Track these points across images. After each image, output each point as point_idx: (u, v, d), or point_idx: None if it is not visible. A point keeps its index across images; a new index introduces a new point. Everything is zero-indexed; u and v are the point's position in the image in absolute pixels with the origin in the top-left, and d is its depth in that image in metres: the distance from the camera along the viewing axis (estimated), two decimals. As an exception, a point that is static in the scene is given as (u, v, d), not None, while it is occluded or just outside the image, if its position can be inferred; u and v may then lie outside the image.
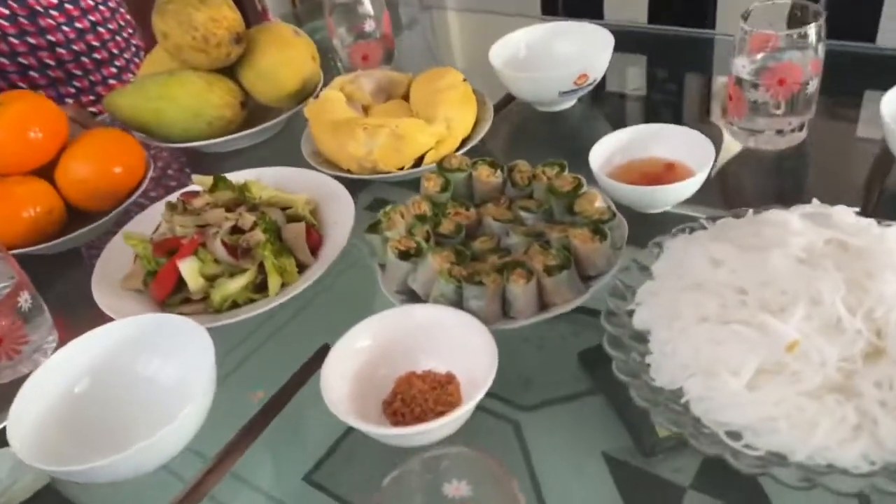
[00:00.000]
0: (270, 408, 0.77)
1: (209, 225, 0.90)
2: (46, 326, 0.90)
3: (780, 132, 0.98)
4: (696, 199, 0.91)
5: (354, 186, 1.01)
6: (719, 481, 0.64)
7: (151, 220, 1.01)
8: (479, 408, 0.72)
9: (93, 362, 0.77)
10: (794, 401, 0.58)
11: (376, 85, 1.15)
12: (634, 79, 1.29)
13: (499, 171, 0.92)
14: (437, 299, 0.78)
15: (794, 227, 0.65)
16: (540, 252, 0.78)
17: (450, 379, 0.74)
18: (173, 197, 1.03)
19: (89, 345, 0.78)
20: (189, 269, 0.86)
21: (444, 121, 1.04)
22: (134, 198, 1.09)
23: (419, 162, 1.04)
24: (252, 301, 0.87)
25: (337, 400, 0.69)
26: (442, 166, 0.93)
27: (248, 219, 0.90)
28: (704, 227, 0.78)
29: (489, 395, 0.68)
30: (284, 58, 1.19)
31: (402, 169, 1.03)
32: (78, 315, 0.95)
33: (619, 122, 1.19)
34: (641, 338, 0.70)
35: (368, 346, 0.75)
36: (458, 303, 0.77)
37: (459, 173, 0.92)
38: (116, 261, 0.96)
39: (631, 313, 0.72)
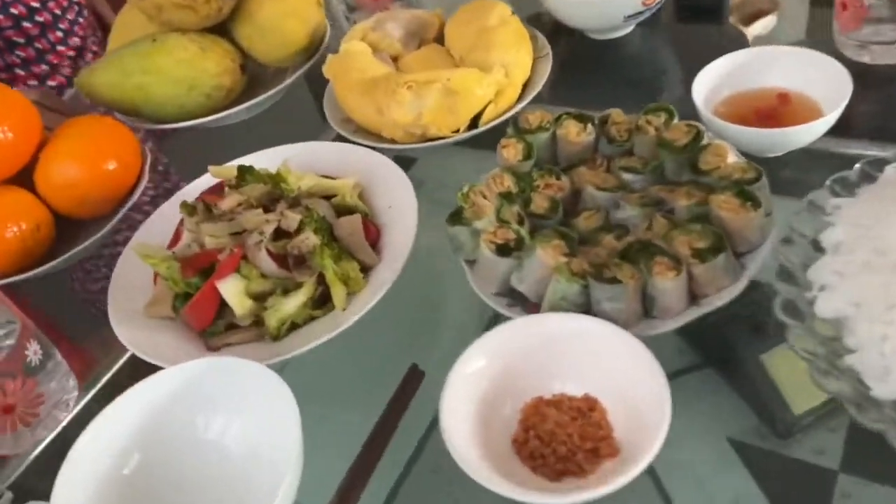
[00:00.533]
0: (369, 453, 0.63)
1: (246, 231, 0.73)
2: (61, 374, 0.74)
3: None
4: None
5: (397, 160, 0.84)
6: (875, 461, 0.55)
7: (163, 227, 0.84)
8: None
9: (140, 429, 0.61)
10: None
11: (404, 29, 0.96)
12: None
13: (589, 126, 0.75)
14: (556, 304, 0.62)
15: None
16: (676, 229, 0.63)
17: (591, 404, 0.59)
18: (186, 194, 0.85)
19: (132, 406, 0.62)
20: (233, 290, 0.70)
21: (501, 67, 0.86)
22: (134, 199, 0.90)
23: (474, 122, 0.87)
24: (313, 318, 0.72)
25: (465, 451, 0.54)
26: (518, 127, 0.76)
27: (292, 218, 0.73)
28: (869, 176, 0.64)
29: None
30: (287, 6, 0.99)
31: (457, 131, 0.86)
32: (89, 341, 0.80)
33: (689, 49, 1.02)
34: (829, 330, 0.56)
35: (487, 372, 0.60)
36: (585, 305, 0.62)
37: (541, 133, 0.75)
38: (131, 282, 0.79)
39: (811, 301, 0.57)
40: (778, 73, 0.81)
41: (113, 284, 0.78)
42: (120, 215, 0.89)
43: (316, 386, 0.71)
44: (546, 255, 0.63)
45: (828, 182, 0.64)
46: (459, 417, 0.57)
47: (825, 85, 0.77)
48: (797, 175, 0.77)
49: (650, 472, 0.56)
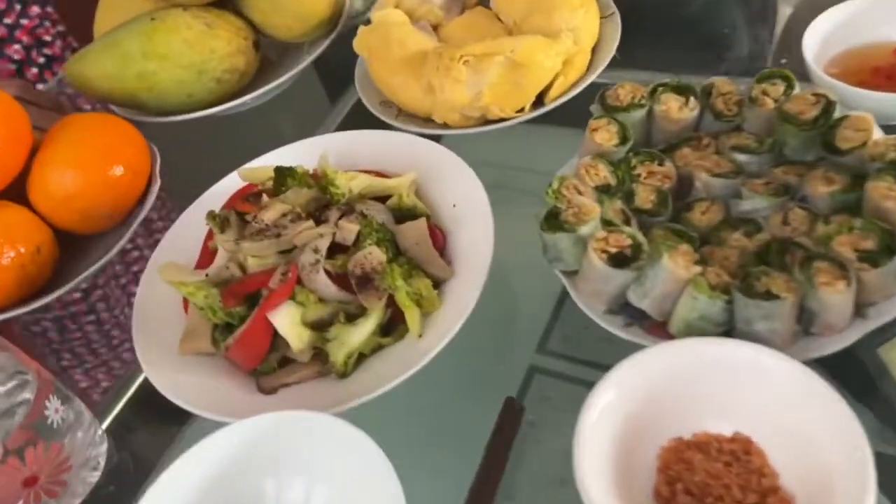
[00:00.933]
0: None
1: (296, 248, 0.62)
2: (86, 427, 0.62)
3: None
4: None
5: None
6: None
7: (186, 243, 0.72)
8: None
9: (207, 491, 0.51)
10: None
11: (446, -7, 0.83)
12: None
13: (693, 100, 0.64)
14: (692, 323, 0.52)
15: None
16: (779, 210, 0.52)
17: (745, 446, 0.49)
18: (209, 201, 0.73)
19: (197, 468, 0.51)
20: (288, 321, 0.58)
21: (569, 32, 0.74)
22: (147, 209, 0.78)
23: (538, 98, 0.75)
24: (381, 346, 0.60)
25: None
26: (607, 104, 0.64)
27: (349, 229, 0.61)
28: None
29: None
30: (304, -28, 0.85)
31: (521, 111, 0.74)
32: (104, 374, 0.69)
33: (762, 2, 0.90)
34: None
35: (621, 410, 0.49)
36: (727, 324, 0.52)
37: (636, 111, 0.64)
38: (157, 311, 0.67)
39: None
40: (891, 25, 0.70)
41: (137, 317, 0.66)
42: (133, 228, 0.76)
43: (390, 426, 0.60)
44: (675, 265, 0.52)
45: None
46: (595, 469, 0.47)
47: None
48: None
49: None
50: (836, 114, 0.59)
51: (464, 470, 0.55)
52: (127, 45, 0.82)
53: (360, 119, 0.83)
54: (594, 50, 0.77)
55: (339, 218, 0.63)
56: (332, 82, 0.98)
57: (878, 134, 0.57)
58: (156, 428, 0.71)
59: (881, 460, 0.48)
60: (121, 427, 0.68)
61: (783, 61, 0.77)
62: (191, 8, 0.84)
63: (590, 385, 0.60)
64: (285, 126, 0.94)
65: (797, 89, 0.62)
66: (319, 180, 0.66)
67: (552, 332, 0.67)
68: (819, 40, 0.69)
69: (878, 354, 0.55)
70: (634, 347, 0.56)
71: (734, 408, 0.50)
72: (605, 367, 0.61)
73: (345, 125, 0.90)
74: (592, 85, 0.75)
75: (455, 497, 0.53)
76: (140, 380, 0.71)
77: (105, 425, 0.68)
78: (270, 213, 0.62)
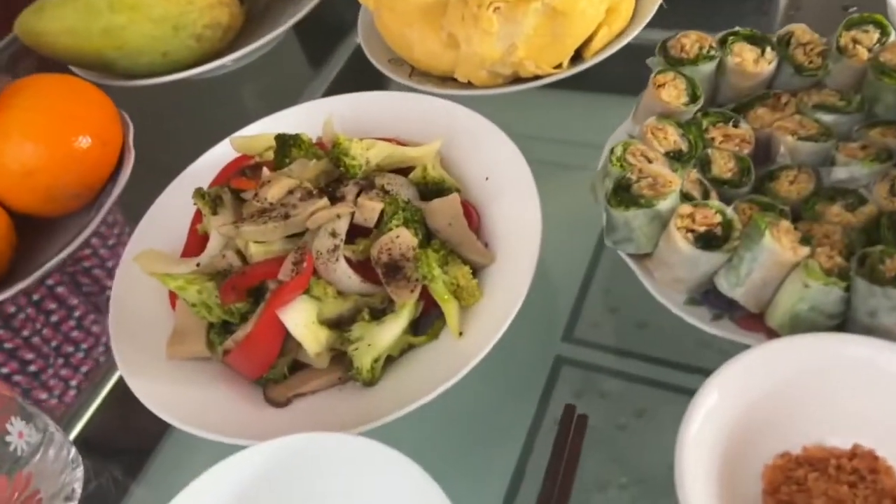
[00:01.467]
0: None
1: (308, 231, 0.51)
2: (57, 448, 0.52)
3: None
4: None
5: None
6: None
7: (169, 227, 0.61)
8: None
9: None
10: None
11: (461, -67, 0.72)
12: None
13: (769, 51, 0.54)
14: (801, 315, 0.43)
15: None
16: None
17: (869, 462, 0.41)
18: (194, 175, 0.62)
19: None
20: (302, 321, 0.48)
21: (612, -22, 0.64)
22: (120, 187, 0.67)
23: (578, 54, 0.65)
24: (411, 346, 0.51)
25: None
26: (670, 56, 0.55)
27: (371, 208, 0.51)
28: None
29: None
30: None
31: (559, 67, 0.64)
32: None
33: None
34: None
35: (720, 417, 0.40)
36: (841, 317, 0.43)
37: (705, 63, 0.54)
38: (137, 307, 0.57)
39: None
40: None
41: (114, 316, 0.56)
42: (105, 210, 0.65)
43: (422, 437, 0.51)
44: (780, 246, 0.43)
45: None
46: (701, 492, 0.38)
47: None
48: None
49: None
50: (944, 65, 0.50)
51: (505, 474, 0.47)
52: (91, -5, 0.70)
53: (363, 80, 0.72)
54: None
55: (358, 194, 0.53)
56: (328, 38, 0.86)
57: None
58: (133, 439, 0.61)
59: None
60: (92, 441, 0.58)
61: (853, 8, 0.68)
62: (165, -47, 0.72)
63: (627, 377, 0.53)
64: (277, 87, 0.82)
65: (893, 36, 0.53)
66: (329, 150, 0.55)
67: (578, 318, 0.58)
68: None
69: None
70: (672, 333, 0.49)
71: (853, 417, 0.41)
72: (640, 357, 0.54)
73: (342, 87, 0.79)
74: (632, 46, 0.65)
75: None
76: (111, 385, 0.61)
77: (73, 435, 0.58)
78: (275, 190, 0.52)
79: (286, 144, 0.55)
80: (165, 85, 0.76)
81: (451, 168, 0.60)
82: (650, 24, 0.67)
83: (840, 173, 0.49)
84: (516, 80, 0.64)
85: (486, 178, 0.58)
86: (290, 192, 0.52)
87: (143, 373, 0.52)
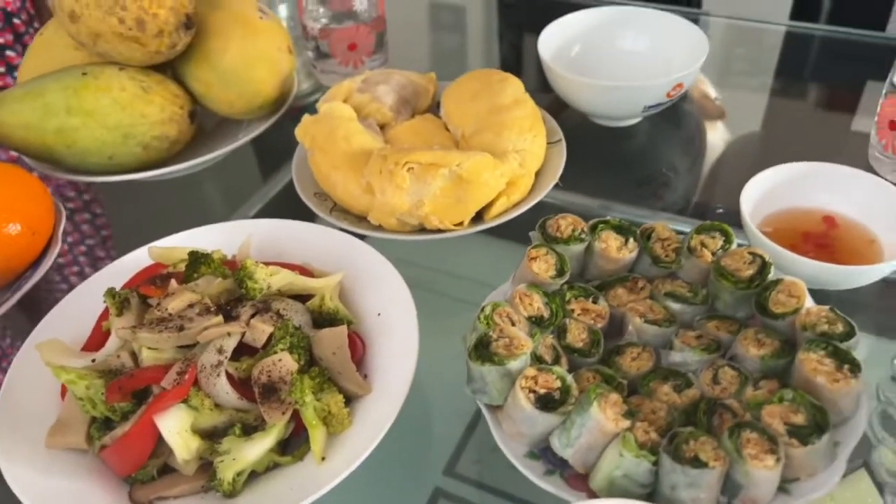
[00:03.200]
0: None
1: (198, 344, 0.56)
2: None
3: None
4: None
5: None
6: None
7: (79, 318, 0.65)
8: None
9: None
10: None
11: (397, 94, 0.82)
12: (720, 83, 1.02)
13: (632, 241, 0.63)
14: (614, 480, 0.49)
15: None
16: (709, 367, 0.52)
17: None
18: (113, 273, 0.67)
19: None
20: (176, 428, 0.52)
21: (516, 154, 0.73)
22: (40, 274, 0.71)
23: (479, 213, 0.73)
24: (276, 465, 0.55)
25: None
26: (547, 234, 0.63)
27: (261, 330, 0.56)
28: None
29: None
30: (256, 50, 0.83)
31: (460, 225, 0.72)
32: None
33: (700, 144, 0.94)
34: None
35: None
36: (651, 486, 0.49)
37: (575, 244, 0.62)
38: (28, 395, 0.60)
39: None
40: (822, 193, 0.72)
41: (3, 398, 0.58)
42: (19, 296, 0.69)
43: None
44: (605, 417, 0.49)
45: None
46: None
47: (881, 212, 0.68)
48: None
49: None
50: (772, 276, 0.59)
51: None
52: (51, 97, 0.76)
53: (291, 205, 0.79)
54: (538, 174, 0.77)
55: (252, 316, 0.58)
56: (268, 161, 0.94)
57: (809, 302, 0.57)
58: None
59: None
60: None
61: (719, 211, 0.79)
62: (128, 69, 0.80)
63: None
64: (213, 199, 0.89)
65: (734, 245, 0.62)
66: (237, 270, 0.61)
67: (462, 453, 0.63)
68: (755, 198, 0.70)
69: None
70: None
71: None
72: (512, 498, 0.58)
73: (274, 209, 0.87)
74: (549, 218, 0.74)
75: None
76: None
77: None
78: (176, 303, 0.57)
79: (197, 261, 0.61)
80: (113, 183, 0.82)
81: (349, 300, 0.66)
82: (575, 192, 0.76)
83: (675, 357, 0.57)
84: (422, 229, 0.72)
85: (378, 314, 0.64)
86: (190, 305, 0.57)
87: (20, 461, 0.55)
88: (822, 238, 0.70)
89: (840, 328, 0.54)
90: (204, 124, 0.93)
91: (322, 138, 0.75)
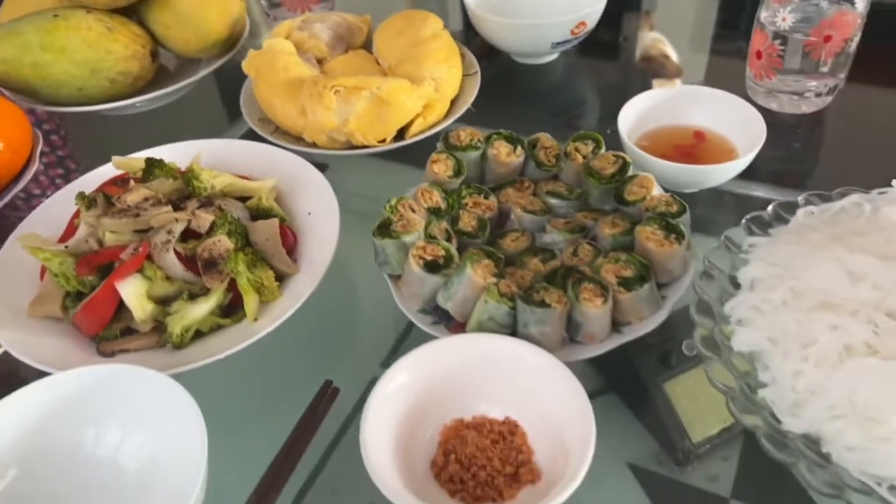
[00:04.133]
0: (276, 476, 0.59)
1: (152, 229, 0.68)
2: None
3: (817, 95, 0.88)
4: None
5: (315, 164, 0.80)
6: (763, 489, 0.58)
7: (54, 219, 0.76)
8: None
9: (18, 441, 0.55)
10: (978, 451, 0.48)
11: (332, 32, 0.93)
12: (625, 25, 1.13)
13: (519, 148, 0.75)
14: (482, 323, 0.61)
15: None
16: (600, 256, 0.64)
17: (511, 427, 0.58)
18: (84, 184, 0.78)
19: (9, 415, 0.55)
20: (134, 292, 0.64)
21: (432, 80, 0.85)
22: (20, 186, 0.82)
23: (400, 132, 0.85)
24: (220, 327, 0.67)
25: (385, 473, 0.52)
26: (449, 143, 0.75)
27: (204, 219, 0.68)
28: (781, 217, 0.66)
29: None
30: (208, -5, 0.94)
31: (383, 141, 0.83)
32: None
33: (611, 79, 1.05)
34: (744, 364, 0.58)
35: (409, 392, 0.58)
36: (511, 326, 0.61)
37: (471, 151, 0.74)
38: (14, 277, 0.71)
39: (728, 333, 0.59)
40: (696, 112, 0.84)
41: (-9, 278, 0.70)
42: (2, 203, 0.80)
43: (223, 401, 0.66)
44: (476, 275, 0.61)
45: (744, 220, 0.67)
46: (380, 439, 0.55)
47: (739, 127, 0.81)
48: (709, 213, 0.80)
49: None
50: (630, 172, 0.71)
51: (277, 441, 0.61)
52: (27, 37, 0.87)
53: (246, 135, 0.91)
54: (455, 101, 0.89)
55: (198, 208, 0.70)
56: (224, 96, 1.05)
57: (656, 191, 0.70)
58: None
59: (656, 479, 0.59)
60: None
61: (609, 131, 0.91)
62: (95, 11, 0.91)
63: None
64: (175, 130, 0.99)
65: (603, 150, 0.74)
66: (186, 173, 0.73)
67: (374, 325, 0.74)
68: (633, 118, 0.82)
69: (663, 389, 0.66)
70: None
71: (508, 396, 0.59)
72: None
73: (235, 135, 0.98)
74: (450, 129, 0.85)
75: (259, 462, 0.59)
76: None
77: None
78: (133, 196, 0.69)
79: (152, 165, 0.72)
80: (80, 114, 0.93)
81: (286, 204, 0.78)
82: (490, 123, 0.87)
83: (546, 238, 0.69)
84: (351, 146, 0.83)
85: (309, 213, 0.76)
86: (146, 199, 0.69)
87: (6, 324, 0.67)
88: (691, 149, 0.82)
89: (675, 208, 0.67)
90: (168, 66, 1.04)
91: (265, 69, 0.86)
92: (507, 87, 1.01)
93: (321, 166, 0.83)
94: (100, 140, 1.01)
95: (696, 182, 0.78)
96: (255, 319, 0.66)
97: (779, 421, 0.54)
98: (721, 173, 0.76)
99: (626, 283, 0.61)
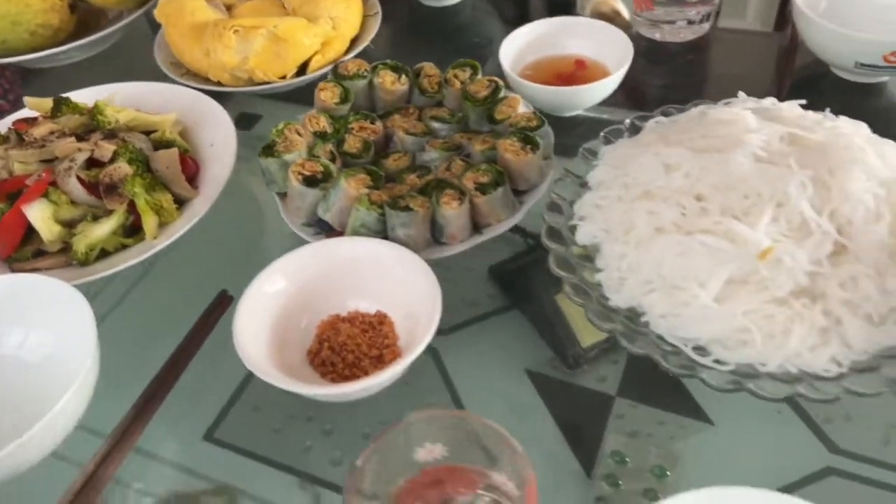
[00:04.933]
0: (170, 371, 0.65)
1: (57, 159, 0.73)
2: None
3: (689, 22, 0.94)
4: (607, 99, 0.85)
5: (222, 101, 0.86)
6: (646, 387, 0.64)
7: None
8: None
9: None
10: (764, 309, 0.55)
11: (240, -21, 0.98)
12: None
13: (404, 77, 0.81)
14: (356, 230, 0.68)
15: (749, 123, 0.61)
16: (468, 169, 0.70)
17: (381, 318, 0.65)
18: (2, 126, 0.84)
19: None
20: (40, 214, 0.70)
21: (330, 20, 0.90)
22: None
23: (302, 69, 0.90)
24: (125, 247, 0.73)
25: (255, 356, 0.58)
26: (338, 73, 0.81)
27: (106, 148, 0.74)
28: (636, 129, 0.73)
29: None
30: (120, -53, 0.98)
31: (283, 78, 0.89)
32: None
33: (513, 16, 1.11)
34: (588, 255, 0.64)
35: (284, 290, 0.64)
36: (382, 232, 0.68)
37: (359, 80, 0.80)
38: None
39: (573, 229, 0.66)
40: (577, 42, 0.90)
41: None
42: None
43: (127, 312, 0.73)
44: (350, 187, 0.68)
45: (602, 133, 0.73)
46: (253, 330, 0.61)
47: (614, 54, 0.87)
48: (590, 136, 0.87)
49: (456, 400, 0.63)
50: (501, 94, 0.78)
51: (173, 347, 0.68)
52: (-56, -11, 0.92)
53: (161, 78, 0.96)
54: (356, 40, 0.94)
55: (102, 139, 0.76)
56: (139, 47, 1.09)
57: (522, 110, 0.76)
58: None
59: (551, 382, 0.64)
60: None
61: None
62: (12, -35, 0.95)
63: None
64: (112, 79, 1.04)
65: (479, 75, 0.80)
66: (91, 111, 0.78)
67: (269, 242, 0.80)
68: (516, 50, 0.88)
69: (556, 301, 0.73)
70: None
71: (379, 291, 0.66)
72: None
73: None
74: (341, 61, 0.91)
75: (155, 362, 0.66)
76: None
77: None
78: (40, 130, 0.74)
79: (59, 103, 0.78)
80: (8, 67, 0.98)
81: (191, 137, 0.84)
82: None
83: (425, 157, 0.75)
84: (254, 83, 0.89)
85: (211, 145, 0.82)
86: (52, 132, 0.75)
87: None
88: (571, 76, 0.88)
89: (535, 123, 0.73)
90: (92, 17, 1.08)
91: (173, 15, 0.92)
92: (411, 28, 1.06)
93: (254, 116, 0.89)
94: (30, 92, 1.05)
95: (571, 104, 0.84)
96: (155, 237, 0.72)
97: (607, 298, 0.61)
98: (590, 93, 0.82)
99: (483, 189, 0.67)
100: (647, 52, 0.96)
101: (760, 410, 0.58)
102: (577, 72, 0.89)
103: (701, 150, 0.61)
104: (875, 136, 0.61)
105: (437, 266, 0.63)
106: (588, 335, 0.66)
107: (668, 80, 0.95)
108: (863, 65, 0.80)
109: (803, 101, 0.65)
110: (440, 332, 0.60)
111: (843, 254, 0.56)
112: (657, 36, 0.97)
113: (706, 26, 0.96)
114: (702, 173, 0.59)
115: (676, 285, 0.57)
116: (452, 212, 0.66)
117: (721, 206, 0.57)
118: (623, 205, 0.63)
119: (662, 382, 0.62)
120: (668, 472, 0.57)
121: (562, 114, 0.86)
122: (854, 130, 0.60)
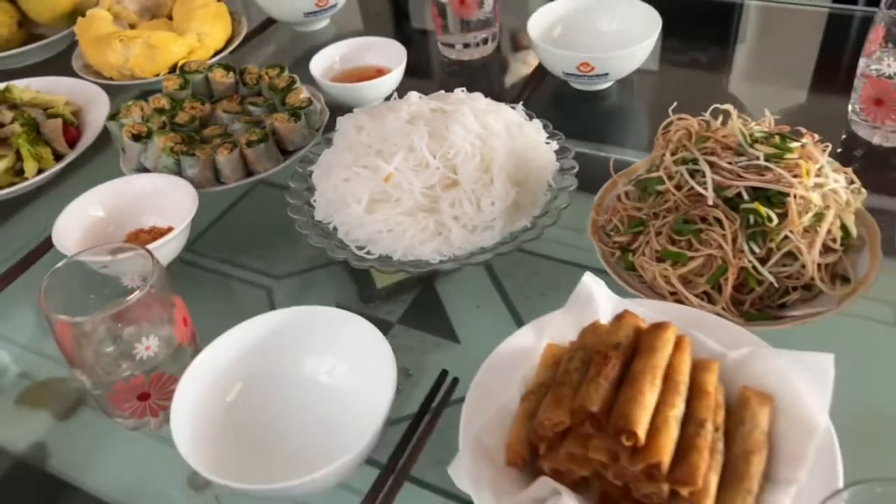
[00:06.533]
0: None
1: (-26, 121, 1.04)
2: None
3: (467, 46, 1.23)
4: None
5: (117, 93, 1.16)
6: (419, 318, 0.84)
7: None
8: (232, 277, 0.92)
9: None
10: (396, 219, 0.81)
11: (139, 4, 1.30)
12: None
13: (231, 73, 1.11)
14: (160, 171, 0.96)
15: (412, 100, 0.88)
16: (247, 131, 0.98)
17: (171, 229, 0.93)
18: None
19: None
20: (-45, 156, 1.00)
21: (196, 34, 1.21)
22: None
23: (173, 70, 1.21)
24: (13, 184, 1.03)
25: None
26: (182, 69, 1.11)
27: (6, 115, 1.05)
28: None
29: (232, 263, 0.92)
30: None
31: (157, 75, 1.19)
32: None
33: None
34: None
35: (100, 212, 0.92)
36: (179, 172, 0.96)
37: (197, 74, 1.10)
38: None
39: (311, 174, 0.93)
40: (378, 57, 1.19)
41: None
42: None
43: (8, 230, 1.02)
44: (160, 141, 0.97)
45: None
46: (71, 234, 0.90)
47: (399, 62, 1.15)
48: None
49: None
50: (296, 86, 1.06)
51: None
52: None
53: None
54: (223, 49, 1.25)
55: (7, 110, 1.06)
56: (66, 57, 1.41)
57: (304, 95, 1.04)
58: None
59: (351, 311, 0.71)
60: None
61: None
62: (-27, -8, 1.28)
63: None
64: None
65: (286, 73, 1.09)
66: (2, 91, 1.09)
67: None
68: (327, 62, 1.17)
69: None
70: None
71: (167, 211, 0.94)
72: None
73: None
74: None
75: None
76: None
77: None
78: (-32, 103, 1.05)
79: (-16, 85, 1.09)
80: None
81: (82, 112, 1.14)
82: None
83: (234, 128, 1.04)
84: (136, 78, 1.19)
85: (94, 119, 1.12)
86: (-24, 104, 1.05)
87: None
88: (370, 78, 1.16)
89: (305, 104, 1.01)
90: (30, 31, 1.40)
91: (85, 30, 1.23)
92: (279, 49, 1.37)
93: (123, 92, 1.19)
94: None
95: (354, 98, 1.11)
96: (33, 176, 1.02)
97: (314, 217, 0.88)
98: (367, 89, 1.10)
99: (251, 143, 0.96)
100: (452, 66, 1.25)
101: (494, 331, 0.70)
102: (375, 77, 1.17)
103: (377, 117, 0.89)
104: (493, 103, 0.89)
105: (241, 214, 0.91)
106: (384, 279, 0.88)
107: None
108: (568, 73, 1.08)
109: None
110: (274, 276, 0.89)
111: (455, 185, 0.83)
112: (453, 55, 1.25)
113: (490, 47, 1.24)
114: (375, 131, 0.87)
115: (344, 202, 0.84)
116: (224, 158, 0.94)
117: (377, 150, 0.85)
118: (335, 155, 0.90)
119: (434, 313, 0.82)
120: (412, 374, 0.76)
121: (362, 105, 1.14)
122: (467, 100, 0.87)
